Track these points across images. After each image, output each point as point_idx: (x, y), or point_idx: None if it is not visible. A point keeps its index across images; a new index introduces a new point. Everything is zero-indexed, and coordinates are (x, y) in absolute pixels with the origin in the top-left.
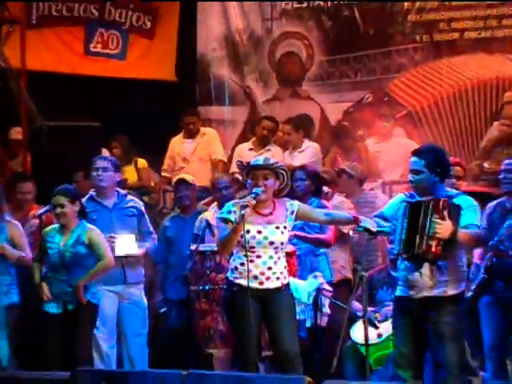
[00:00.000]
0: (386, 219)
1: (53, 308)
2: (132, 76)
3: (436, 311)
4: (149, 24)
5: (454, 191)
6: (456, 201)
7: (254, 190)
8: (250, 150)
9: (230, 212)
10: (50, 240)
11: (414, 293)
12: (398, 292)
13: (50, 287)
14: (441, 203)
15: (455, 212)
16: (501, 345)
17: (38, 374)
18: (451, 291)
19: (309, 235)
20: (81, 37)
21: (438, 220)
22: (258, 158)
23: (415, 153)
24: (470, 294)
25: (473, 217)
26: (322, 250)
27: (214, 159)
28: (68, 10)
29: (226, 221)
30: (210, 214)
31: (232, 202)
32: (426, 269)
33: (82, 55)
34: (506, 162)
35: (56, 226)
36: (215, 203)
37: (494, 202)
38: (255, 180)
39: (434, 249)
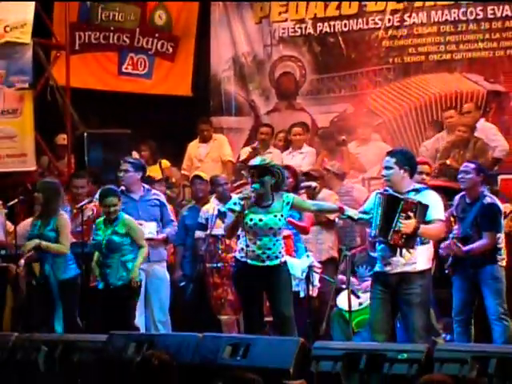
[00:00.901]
0: (366, 213)
1: (100, 285)
2: (157, 92)
3: (407, 284)
4: (171, 49)
5: (420, 186)
6: (422, 194)
7: (252, 186)
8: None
9: (235, 204)
10: (97, 232)
11: (390, 269)
12: (377, 268)
13: (99, 269)
14: (409, 204)
15: (422, 212)
16: (466, 310)
17: (81, 337)
18: (420, 267)
19: (294, 220)
20: (115, 60)
21: (404, 220)
22: (255, 159)
23: (388, 153)
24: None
25: (437, 212)
26: (299, 236)
27: (224, 160)
28: (104, 39)
29: (231, 210)
30: (212, 206)
31: (237, 195)
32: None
33: (115, 75)
34: (464, 164)
35: (102, 218)
36: (214, 196)
37: (459, 196)
38: (254, 177)
39: (398, 241)
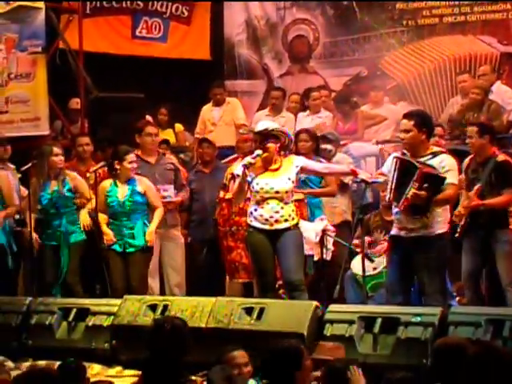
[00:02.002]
0: (384, 174)
1: (117, 247)
2: (173, 56)
3: (424, 248)
4: (186, 13)
5: (437, 149)
6: (438, 158)
7: (256, 152)
8: (267, 115)
9: (240, 169)
10: (110, 194)
11: (405, 233)
12: (393, 232)
13: (113, 232)
14: (424, 175)
15: (437, 184)
16: (475, 273)
17: (95, 301)
18: (437, 231)
19: (317, 190)
20: (128, 24)
21: (416, 190)
22: (258, 125)
23: (405, 116)
24: (457, 235)
25: (451, 176)
26: (318, 199)
27: (237, 124)
28: (117, 2)
29: (233, 176)
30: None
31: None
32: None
33: (129, 39)
34: (468, 128)
35: (110, 180)
36: (239, 159)
37: (468, 158)
38: (257, 143)
39: (408, 208)
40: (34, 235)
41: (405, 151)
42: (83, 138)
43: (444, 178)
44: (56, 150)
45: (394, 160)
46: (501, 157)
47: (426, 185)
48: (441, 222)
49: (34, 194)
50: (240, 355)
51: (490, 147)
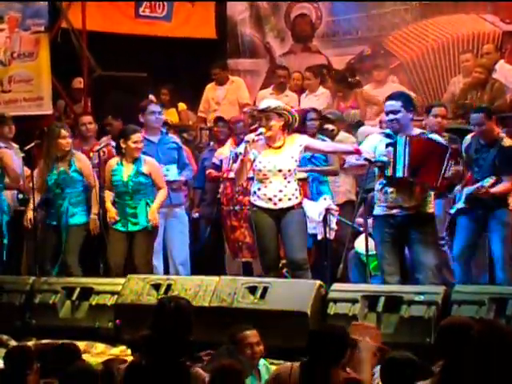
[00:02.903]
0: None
1: (119, 226)
2: (178, 35)
3: (420, 224)
4: None
5: (419, 130)
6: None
7: (259, 130)
8: (271, 94)
9: (241, 147)
10: (115, 173)
11: (398, 211)
12: (379, 211)
13: (117, 210)
14: (454, 153)
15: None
16: (468, 251)
17: (98, 280)
18: (430, 209)
19: (320, 168)
20: (131, 3)
21: (454, 166)
22: (261, 103)
23: (390, 97)
24: (452, 211)
25: None
26: (326, 178)
27: (241, 102)
28: None
29: (236, 155)
30: (227, 149)
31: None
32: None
33: (132, 18)
34: (471, 116)
35: (116, 159)
36: (231, 139)
37: (470, 135)
38: (260, 121)
39: (444, 187)
40: (30, 215)
41: (390, 132)
42: (86, 116)
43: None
44: (64, 132)
45: (407, 139)
46: (507, 141)
47: (459, 159)
48: (430, 201)
49: (40, 173)
50: (252, 334)
51: (496, 129)
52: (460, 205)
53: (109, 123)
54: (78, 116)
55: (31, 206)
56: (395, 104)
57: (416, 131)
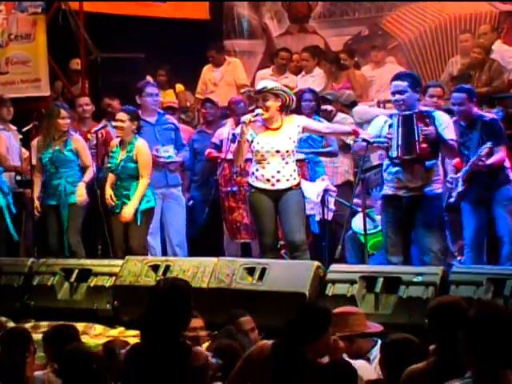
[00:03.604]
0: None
1: (117, 209)
2: (172, 16)
3: (425, 206)
4: None
5: (428, 108)
6: (433, 115)
7: (256, 111)
8: (271, 75)
9: (239, 128)
10: (112, 155)
11: (404, 192)
12: (388, 191)
13: (115, 192)
14: (422, 115)
15: (432, 120)
16: (480, 235)
17: (97, 262)
18: (437, 190)
19: (318, 150)
20: None
21: (424, 128)
22: (258, 84)
23: (396, 77)
24: (452, 200)
25: (449, 132)
26: (320, 159)
27: (238, 84)
28: None
29: (234, 136)
30: (227, 129)
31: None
32: (415, 170)
33: None
34: (452, 96)
35: (117, 141)
36: (231, 120)
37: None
38: (257, 102)
39: (426, 150)
40: (36, 202)
41: (395, 113)
42: (82, 98)
43: (434, 116)
44: (63, 112)
45: (397, 118)
46: (487, 115)
47: (427, 120)
48: (437, 181)
49: (37, 151)
50: (247, 321)
51: (474, 109)
52: (459, 188)
53: (108, 104)
54: (75, 97)
55: (36, 194)
56: (401, 84)
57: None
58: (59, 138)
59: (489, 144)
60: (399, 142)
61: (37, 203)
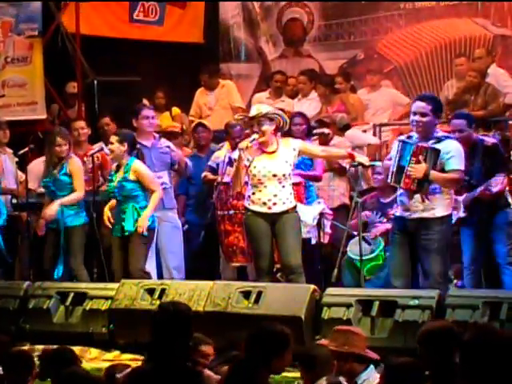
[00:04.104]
0: (391, 159)
1: (115, 232)
2: (168, 39)
3: (425, 229)
4: None
5: (443, 134)
6: (443, 143)
7: (252, 136)
8: (267, 98)
9: (236, 153)
10: (110, 178)
11: (408, 214)
12: (396, 213)
13: (114, 215)
14: (419, 149)
15: (432, 156)
16: (478, 259)
17: (92, 285)
18: (439, 213)
19: (303, 172)
20: (126, 7)
21: (413, 164)
22: (252, 110)
23: (422, 99)
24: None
25: (457, 162)
26: (311, 183)
27: (233, 107)
28: None
29: (231, 160)
30: (224, 153)
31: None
32: (417, 195)
33: (127, 22)
34: (452, 122)
35: (115, 165)
36: (227, 143)
37: None
38: (253, 127)
39: (410, 185)
40: (41, 223)
41: (412, 134)
42: (78, 122)
43: (438, 150)
44: (59, 140)
45: (397, 143)
46: (488, 140)
47: (421, 157)
48: (443, 205)
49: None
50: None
51: (473, 135)
52: (460, 213)
53: (106, 123)
54: (71, 121)
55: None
56: (425, 106)
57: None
58: (58, 163)
59: (501, 177)
60: (394, 169)
61: (42, 222)
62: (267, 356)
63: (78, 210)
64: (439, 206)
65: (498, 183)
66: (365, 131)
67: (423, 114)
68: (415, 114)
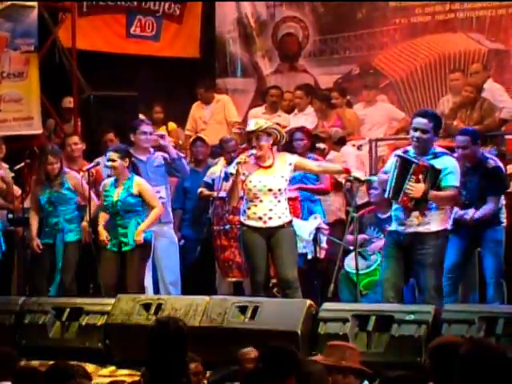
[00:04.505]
0: (386, 173)
1: (111, 247)
2: (165, 54)
3: (421, 244)
4: (178, 11)
5: (440, 150)
6: (440, 159)
7: (249, 151)
8: (263, 113)
9: (233, 167)
10: (107, 193)
11: (403, 228)
12: (391, 227)
13: (109, 231)
14: (420, 168)
15: (433, 176)
16: (458, 269)
17: (89, 300)
18: (434, 228)
19: (310, 186)
20: (123, 22)
21: (413, 183)
22: (250, 123)
23: (423, 115)
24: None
25: (453, 178)
26: (317, 197)
27: (229, 121)
28: (112, 1)
29: (227, 174)
30: (219, 168)
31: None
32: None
33: (123, 37)
34: (457, 138)
35: (112, 180)
36: (223, 158)
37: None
38: (250, 141)
39: (407, 203)
40: (37, 240)
41: (409, 149)
42: (71, 137)
43: (439, 170)
44: (51, 158)
45: (395, 158)
46: (490, 162)
47: (421, 176)
48: (438, 219)
49: (33, 194)
50: (250, 351)
51: (479, 152)
52: (448, 227)
53: (110, 139)
54: (65, 136)
55: (34, 232)
56: (427, 123)
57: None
58: (54, 179)
59: (472, 211)
60: (392, 184)
61: (38, 241)
62: (283, 375)
63: (76, 226)
64: (434, 221)
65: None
66: (360, 146)
67: (424, 131)
68: (416, 130)
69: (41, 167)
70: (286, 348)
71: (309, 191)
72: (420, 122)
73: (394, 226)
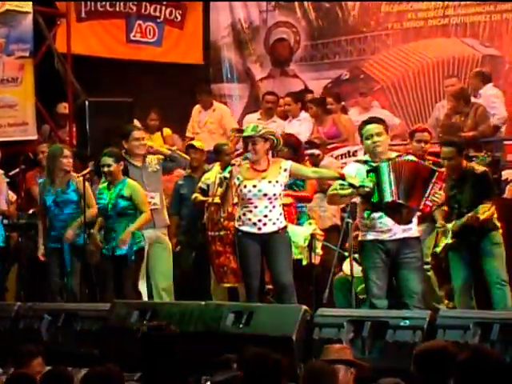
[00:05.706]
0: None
1: (105, 251)
2: (167, 60)
3: (408, 249)
4: (179, 17)
5: (397, 153)
6: None
7: (245, 155)
8: (259, 119)
9: (227, 172)
10: (100, 196)
11: (389, 235)
12: (370, 236)
13: (104, 235)
14: (440, 175)
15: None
16: (468, 282)
17: (83, 306)
18: (415, 233)
19: (293, 193)
20: (122, 28)
21: (439, 190)
22: (246, 128)
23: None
24: (438, 249)
25: None
26: (302, 204)
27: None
28: (111, 6)
29: (221, 180)
30: (214, 174)
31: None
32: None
33: (123, 43)
34: (442, 150)
35: (105, 184)
36: (218, 164)
37: None
38: (246, 146)
39: (428, 210)
40: (42, 248)
41: (366, 158)
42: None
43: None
44: (66, 151)
45: (387, 164)
46: (478, 168)
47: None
48: (415, 224)
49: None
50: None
51: (464, 163)
52: (448, 240)
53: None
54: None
55: (41, 240)
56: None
57: (392, 154)
58: (61, 178)
59: (489, 204)
60: (391, 188)
61: (42, 250)
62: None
63: (80, 230)
64: (414, 226)
65: (485, 210)
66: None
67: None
68: (372, 135)
69: (54, 163)
70: (269, 355)
71: (292, 198)
72: (373, 127)
73: (374, 234)
